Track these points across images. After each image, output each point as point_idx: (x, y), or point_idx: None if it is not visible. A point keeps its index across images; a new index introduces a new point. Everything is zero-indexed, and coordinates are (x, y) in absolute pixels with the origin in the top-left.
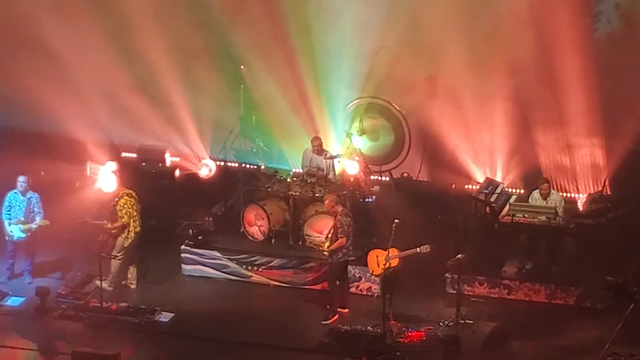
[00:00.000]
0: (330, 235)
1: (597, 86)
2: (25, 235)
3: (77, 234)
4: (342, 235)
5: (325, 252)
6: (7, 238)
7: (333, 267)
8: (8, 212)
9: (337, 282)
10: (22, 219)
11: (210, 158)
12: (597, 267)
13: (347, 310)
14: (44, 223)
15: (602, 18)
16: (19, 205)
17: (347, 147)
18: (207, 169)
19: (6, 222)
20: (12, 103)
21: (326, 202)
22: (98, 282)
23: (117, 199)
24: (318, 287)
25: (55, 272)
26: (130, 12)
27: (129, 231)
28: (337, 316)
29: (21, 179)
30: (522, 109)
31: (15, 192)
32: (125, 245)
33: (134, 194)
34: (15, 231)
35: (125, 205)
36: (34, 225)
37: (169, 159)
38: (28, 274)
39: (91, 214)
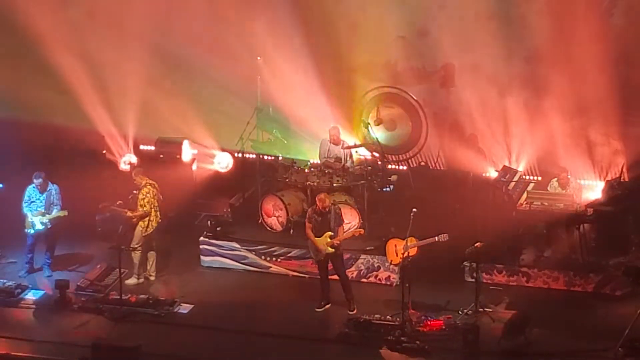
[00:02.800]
0: (333, 228)
1: (614, 73)
2: (44, 227)
3: (95, 226)
4: (342, 224)
5: (330, 249)
6: (27, 230)
7: (342, 257)
8: (29, 206)
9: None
10: (43, 211)
11: (226, 150)
12: (615, 254)
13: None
14: (62, 214)
15: (618, 5)
16: (39, 199)
17: (364, 137)
18: (224, 163)
19: (29, 215)
20: (32, 97)
21: (326, 202)
22: (128, 281)
23: (138, 189)
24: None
25: (74, 265)
26: (146, 4)
27: (149, 220)
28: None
29: (36, 181)
30: (539, 97)
31: (34, 187)
32: (144, 235)
33: (155, 185)
34: (36, 223)
35: (148, 195)
36: (51, 217)
37: (186, 151)
38: (48, 268)
39: (111, 202)
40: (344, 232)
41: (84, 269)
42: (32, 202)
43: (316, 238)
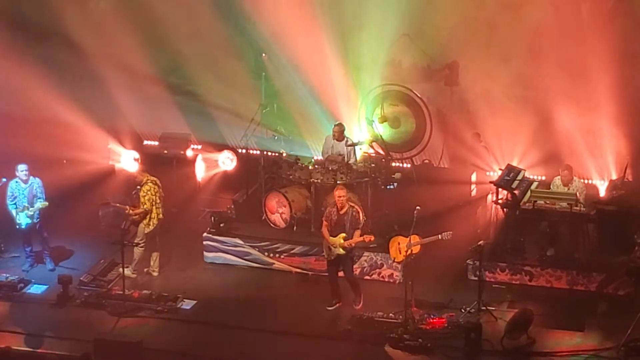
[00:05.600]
0: (348, 230)
1: (618, 72)
2: (31, 221)
3: (97, 221)
4: (359, 227)
5: (341, 250)
6: (17, 227)
7: (352, 259)
8: (13, 203)
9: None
10: (27, 205)
11: (229, 148)
12: (618, 253)
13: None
14: (42, 205)
15: (623, 5)
16: (22, 193)
17: (371, 135)
18: (228, 161)
19: (13, 212)
20: (35, 92)
21: (342, 192)
22: (121, 270)
23: (140, 185)
24: (340, 274)
25: (77, 260)
26: (152, 1)
27: (151, 218)
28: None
29: (21, 167)
30: (543, 95)
31: (17, 181)
32: (146, 231)
33: (157, 182)
34: (22, 219)
35: (149, 192)
36: (34, 209)
37: (190, 147)
38: (50, 260)
39: (114, 198)
40: (352, 234)
41: (87, 264)
42: (15, 197)
43: (330, 237)
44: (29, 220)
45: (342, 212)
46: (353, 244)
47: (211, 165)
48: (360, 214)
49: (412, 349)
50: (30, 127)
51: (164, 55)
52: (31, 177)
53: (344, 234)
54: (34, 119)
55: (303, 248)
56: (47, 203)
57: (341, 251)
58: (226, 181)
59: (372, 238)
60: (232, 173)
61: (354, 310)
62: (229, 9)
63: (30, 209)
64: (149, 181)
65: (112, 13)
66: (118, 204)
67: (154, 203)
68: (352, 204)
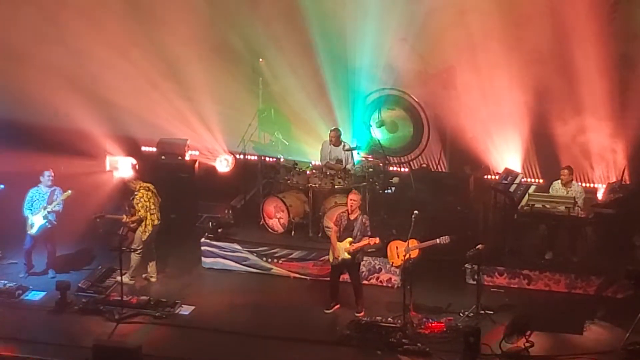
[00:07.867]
0: (356, 235)
1: (617, 76)
2: (46, 221)
3: (95, 228)
4: (370, 234)
5: (346, 254)
6: (28, 232)
7: (359, 265)
8: (30, 208)
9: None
10: (45, 205)
11: (229, 152)
12: (617, 256)
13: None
14: (65, 195)
15: (620, 8)
16: (42, 197)
17: (369, 140)
18: (225, 162)
19: (29, 217)
20: (32, 98)
21: (356, 197)
22: (118, 278)
23: (134, 193)
24: (344, 276)
25: (75, 266)
26: (148, 5)
27: (146, 224)
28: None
29: (47, 173)
30: (540, 99)
31: (38, 187)
32: (143, 239)
33: (151, 188)
34: (37, 221)
35: (142, 199)
36: (57, 202)
37: (188, 153)
38: (52, 270)
39: (110, 208)
40: (360, 241)
41: (85, 270)
42: (34, 202)
43: (337, 242)
44: (43, 222)
45: (352, 217)
46: (358, 248)
47: (209, 164)
48: (369, 224)
49: (410, 354)
50: (28, 132)
51: (160, 61)
52: (53, 185)
53: (350, 239)
54: (31, 124)
55: (301, 253)
56: (70, 192)
57: (347, 255)
58: (224, 186)
59: (378, 241)
60: (230, 178)
61: (353, 315)
62: (227, 13)
63: (48, 207)
64: (141, 188)
65: (109, 17)
66: (113, 215)
67: (147, 210)
68: (363, 213)
